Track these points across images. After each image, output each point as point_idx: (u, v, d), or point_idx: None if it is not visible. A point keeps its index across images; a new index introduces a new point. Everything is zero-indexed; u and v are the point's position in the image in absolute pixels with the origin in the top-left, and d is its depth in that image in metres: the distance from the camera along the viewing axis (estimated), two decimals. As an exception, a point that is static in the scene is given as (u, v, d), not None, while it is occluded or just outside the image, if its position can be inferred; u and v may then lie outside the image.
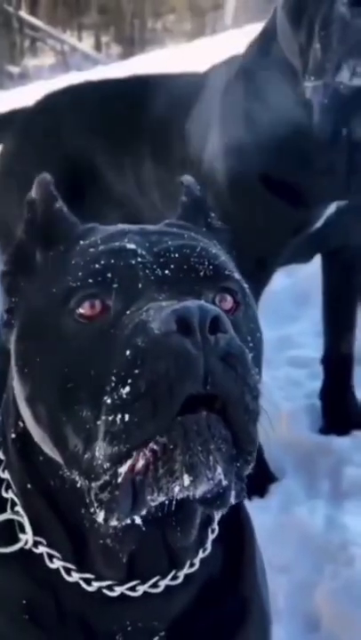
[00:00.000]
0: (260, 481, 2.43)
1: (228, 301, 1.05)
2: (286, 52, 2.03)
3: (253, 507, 1.33)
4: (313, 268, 2.82)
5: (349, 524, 2.33)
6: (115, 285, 0.98)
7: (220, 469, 0.91)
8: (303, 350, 3.20)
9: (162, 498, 0.91)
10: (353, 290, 2.60)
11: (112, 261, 1.00)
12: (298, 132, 2.12)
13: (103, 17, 30.66)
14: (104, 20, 31.02)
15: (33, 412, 1.02)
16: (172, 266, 1.01)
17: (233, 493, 0.96)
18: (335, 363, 2.70)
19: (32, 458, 1.09)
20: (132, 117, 2.54)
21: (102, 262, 1.00)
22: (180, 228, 1.14)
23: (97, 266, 1.00)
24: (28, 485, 1.11)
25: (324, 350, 2.72)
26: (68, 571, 1.09)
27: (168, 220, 1.20)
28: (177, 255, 1.03)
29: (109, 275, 0.99)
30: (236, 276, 1.08)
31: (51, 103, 2.70)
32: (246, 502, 1.21)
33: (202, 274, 1.02)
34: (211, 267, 1.03)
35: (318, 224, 2.26)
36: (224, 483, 0.92)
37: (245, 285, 1.10)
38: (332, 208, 2.24)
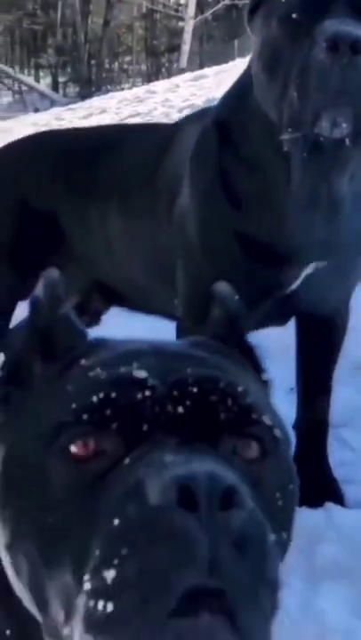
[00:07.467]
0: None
1: (253, 449, 0.83)
2: (262, 104, 1.85)
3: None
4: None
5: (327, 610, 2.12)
6: (114, 426, 0.80)
7: None
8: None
9: None
10: (331, 350, 2.40)
11: (113, 395, 0.81)
12: (275, 188, 1.93)
13: (60, 57, 30.86)
14: (61, 61, 31.21)
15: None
16: (187, 402, 0.82)
17: None
18: (309, 428, 2.49)
19: None
20: (98, 170, 2.35)
21: (101, 395, 0.81)
22: (206, 350, 0.93)
23: (94, 399, 0.81)
24: None
25: (297, 414, 2.50)
26: None
27: (195, 338, 0.98)
28: (195, 390, 0.83)
29: (108, 412, 0.80)
30: (266, 420, 0.85)
31: (12, 152, 2.52)
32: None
33: (223, 416, 0.83)
34: (235, 408, 0.83)
35: (294, 285, 2.06)
36: None
37: (278, 432, 0.86)
38: (309, 269, 2.04)
